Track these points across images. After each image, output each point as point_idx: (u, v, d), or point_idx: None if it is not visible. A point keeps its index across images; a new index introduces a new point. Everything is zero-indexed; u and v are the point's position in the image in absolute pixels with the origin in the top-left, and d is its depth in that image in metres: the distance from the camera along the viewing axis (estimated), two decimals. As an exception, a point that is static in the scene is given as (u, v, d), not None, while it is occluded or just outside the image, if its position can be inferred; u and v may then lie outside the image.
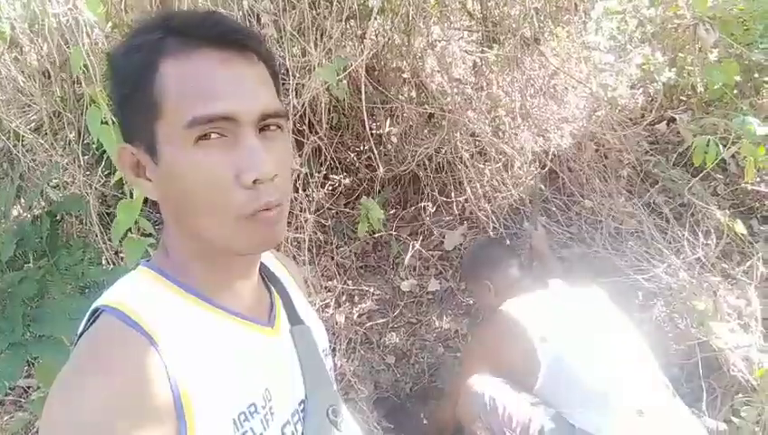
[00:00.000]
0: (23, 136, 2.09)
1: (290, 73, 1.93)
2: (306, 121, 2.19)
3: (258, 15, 1.86)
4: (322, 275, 2.42)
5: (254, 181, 0.58)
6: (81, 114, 1.99)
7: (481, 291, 1.81)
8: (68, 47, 1.92)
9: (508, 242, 2.14)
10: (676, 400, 1.50)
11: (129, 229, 1.38)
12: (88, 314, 0.63)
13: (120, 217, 1.33)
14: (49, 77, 2.16)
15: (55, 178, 2.15)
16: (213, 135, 0.57)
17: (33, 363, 2.08)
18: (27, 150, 2.20)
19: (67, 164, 2.06)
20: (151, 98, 0.58)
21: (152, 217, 2.44)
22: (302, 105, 1.96)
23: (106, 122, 1.29)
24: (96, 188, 1.96)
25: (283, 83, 2.00)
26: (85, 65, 1.44)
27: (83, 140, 2.05)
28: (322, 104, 2.09)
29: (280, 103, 0.64)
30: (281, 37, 1.87)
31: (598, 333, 1.56)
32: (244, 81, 0.59)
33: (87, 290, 1.46)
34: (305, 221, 2.17)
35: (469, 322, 2.30)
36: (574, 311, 1.61)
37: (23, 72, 2.20)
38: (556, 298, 1.66)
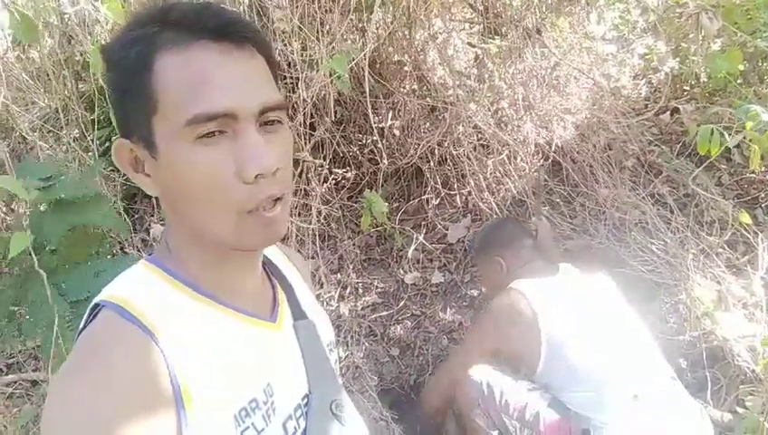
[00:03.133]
0: (26, 134, 2.10)
1: (297, 67, 1.92)
2: (309, 115, 2.18)
3: (260, 9, 1.86)
4: (326, 268, 2.42)
5: (256, 176, 0.57)
6: (85, 111, 2.00)
7: (491, 268, 1.78)
8: (70, 44, 1.93)
9: (523, 222, 2.05)
10: (675, 384, 1.51)
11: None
12: (88, 309, 0.62)
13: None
14: (51, 76, 2.17)
15: (62, 177, 2.16)
16: (214, 132, 0.56)
17: (39, 357, 2.10)
18: (31, 148, 2.21)
19: (71, 160, 2.07)
20: (148, 93, 0.57)
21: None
22: (312, 98, 1.95)
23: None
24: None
25: (291, 77, 2.00)
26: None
27: (86, 137, 2.06)
28: (331, 97, 2.08)
29: (280, 96, 0.63)
30: (291, 31, 1.87)
31: (601, 320, 1.56)
32: (243, 75, 0.58)
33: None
34: (309, 213, 2.18)
35: (473, 314, 2.31)
36: (580, 297, 1.60)
37: (25, 69, 2.21)
38: (564, 283, 1.65)
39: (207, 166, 0.56)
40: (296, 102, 1.94)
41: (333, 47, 1.95)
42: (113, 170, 2.21)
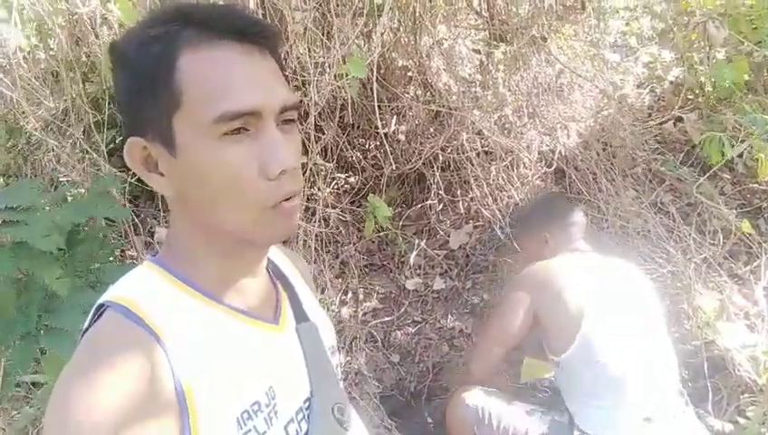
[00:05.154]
0: (30, 134, 2.11)
1: (309, 70, 1.93)
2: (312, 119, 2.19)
3: (272, 10, 1.86)
4: (330, 272, 2.42)
5: (280, 173, 0.59)
6: (91, 111, 2.00)
7: (535, 242, 1.69)
8: (78, 45, 1.94)
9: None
10: (688, 409, 1.49)
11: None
12: (93, 309, 0.62)
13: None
14: (57, 76, 2.18)
15: (65, 177, 2.17)
16: (239, 129, 0.58)
17: (39, 360, 2.10)
18: (36, 148, 2.22)
19: (77, 162, 2.08)
20: (170, 90, 0.57)
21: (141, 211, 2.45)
22: (324, 101, 1.96)
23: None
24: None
25: (302, 80, 2.00)
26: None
27: (92, 139, 2.06)
28: (337, 101, 2.08)
29: (295, 96, 0.64)
30: (305, 33, 1.88)
31: (632, 324, 1.49)
32: (265, 75, 0.60)
33: (98, 285, 1.47)
34: (313, 216, 2.18)
35: (474, 322, 2.30)
36: (619, 293, 1.53)
37: (31, 70, 2.22)
38: (607, 272, 1.57)
39: (233, 163, 0.58)
40: (308, 105, 1.95)
41: (340, 51, 1.95)
42: (123, 170, 2.22)
